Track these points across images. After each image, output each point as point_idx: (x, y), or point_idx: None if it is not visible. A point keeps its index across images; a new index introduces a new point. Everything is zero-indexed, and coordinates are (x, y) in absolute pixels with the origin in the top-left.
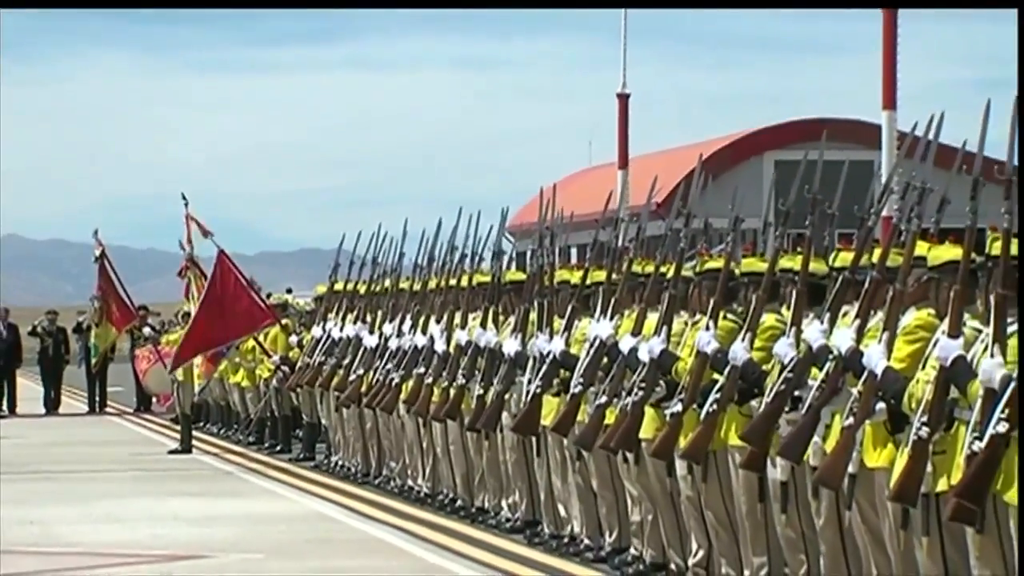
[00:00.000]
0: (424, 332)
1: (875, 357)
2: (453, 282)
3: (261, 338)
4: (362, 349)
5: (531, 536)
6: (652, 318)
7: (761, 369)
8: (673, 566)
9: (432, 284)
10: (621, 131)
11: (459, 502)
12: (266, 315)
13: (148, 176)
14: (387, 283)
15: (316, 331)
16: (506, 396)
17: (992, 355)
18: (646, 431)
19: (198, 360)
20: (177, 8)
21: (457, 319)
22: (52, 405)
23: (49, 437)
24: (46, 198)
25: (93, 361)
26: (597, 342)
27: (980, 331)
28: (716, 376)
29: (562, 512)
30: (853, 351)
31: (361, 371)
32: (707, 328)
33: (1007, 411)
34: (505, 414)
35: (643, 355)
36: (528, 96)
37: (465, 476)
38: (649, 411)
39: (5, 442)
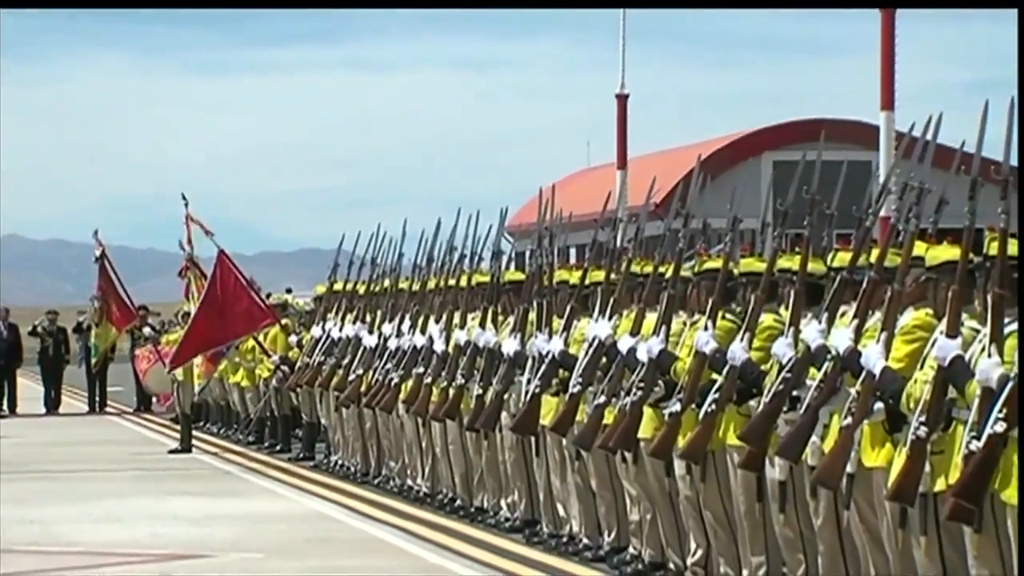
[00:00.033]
0: (423, 332)
1: (873, 357)
2: (452, 282)
3: (261, 338)
4: (361, 349)
5: (530, 535)
6: (651, 318)
7: (760, 369)
8: (672, 565)
9: (431, 284)
10: (620, 131)
11: (458, 501)
12: (266, 315)
13: (148, 176)
14: (386, 283)
15: (315, 331)
16: (505, 396)
17: (990, 355)
18: (645, 431)
19: (198, 360)
20: (177, 8)
21: (456, 319)
22: (52, 405)
23: (49, 437)
24: (46, 198)
25: (93, 361)
26: (596, 342)
27: (978, 331)
28: (715, 376)
29: (561, 512)
30: (851, 351)
31: (360, 371)
32: (706, 328)
33: (1005, 411)
34: (504, 414)
35: (642, 355)
36: (527, 96)
37: (464, 476)
38: (648, 411)
39: (5, 441)
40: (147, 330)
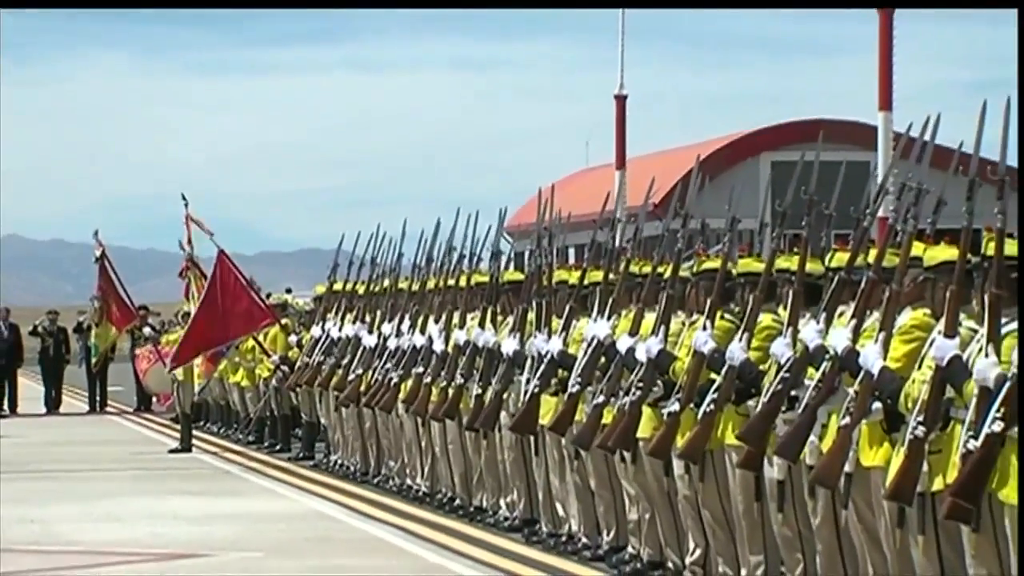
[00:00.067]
0: (423, 332)
1: (871, 357)
2: (452, 282)
3: (261, 338)
4: (361, 349)
5: (529, 535)
6: (649, 318)
7: (758, 369)
8: (670, 564)
9: (431, 284)
10: (619, 132)
11: (457, 501)
12: (265, 315)
13: (148, 176)
14: (386, 283)
15: (315, 331)
16: (504, 395)
17: (987, 355)
18: (644, 430)
19: (198, 360)
20: (177, 8)
21: (456, 319)
22: (53, 404)
23: (50, 436)
24: (46, 198)
25: (93, 361)
26: (595, 342)
27: (976, 331)
28: (713, 376)
29: (560, 511)
30: (849, 351)
31: (360, 371)
32: (704, 328)
33: (1002, 410)
34: (503, 413)
35: (641, 355)
36: (527, 97)
37: (463, 475)
38: (647, 411)
39: (6, 441)
40: (147, 330)
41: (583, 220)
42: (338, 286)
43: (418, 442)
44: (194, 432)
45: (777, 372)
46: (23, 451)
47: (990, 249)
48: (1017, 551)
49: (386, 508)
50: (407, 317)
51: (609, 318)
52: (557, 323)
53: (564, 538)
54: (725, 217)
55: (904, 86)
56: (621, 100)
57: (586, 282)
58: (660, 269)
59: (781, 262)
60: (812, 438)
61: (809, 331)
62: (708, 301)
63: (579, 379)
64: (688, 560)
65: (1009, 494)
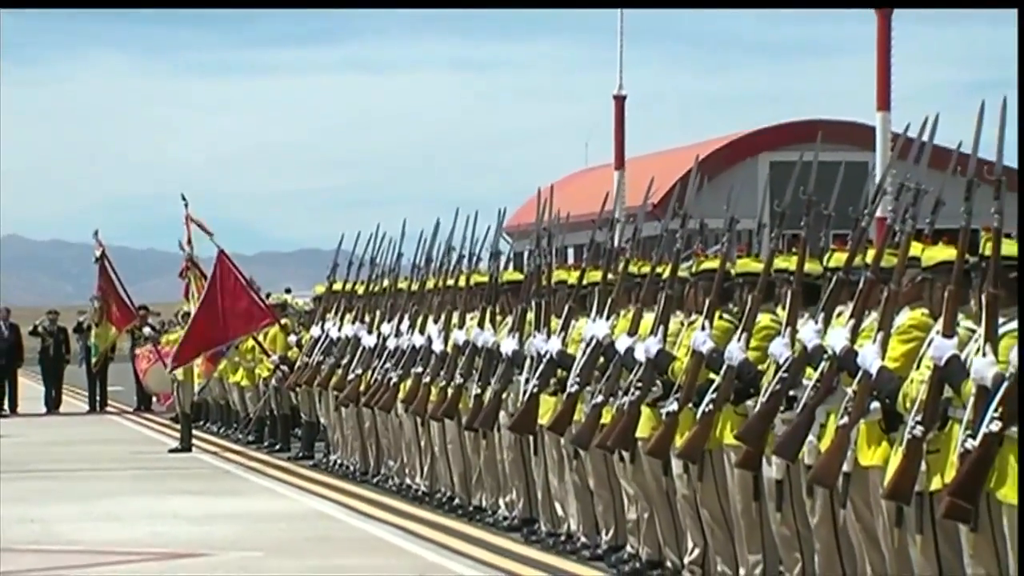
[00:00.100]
0: (422, 332)
1: (870, 357)
2: (451, 282)
3: (260, 338)
4: (360, 349)
5: (528, 534)
6: (648, 318)
7: (757, 369)
8: (669, 564)
9: (430, 284)
10: (617, 132)
11: (457, 500)
12: (265, 315)
13: (148, 176)
14: (385, 283)
15: (315, 331)
16: (503, 395)
17: (984, 354)
18: (642, 430)
19: (198, 360)
20: (177, 8)
21: (455, 319)
22: (53, 404)
23: (50, 436)
24: (46, 198)
25: (93, 361)
26: (594, 342)
27: (974, 331)
28: (712, 376)
29: (559, 510)
30: (848, 351)
31: (359, 370)
32: (703, 328)
33: (1000, 410)
34: (502, 413)
35: (639, 355)
36: (526, 97)
37: (463, 475)
38: (645, 410)
39: (6, 441)
40: (147, 330)
41: (582, 220)
42: (337, 286)
43: (417, 442)
44: (194, 432)
45: (776, 372)
46: (23, 451)
47: (988, 249)
48: (1016, 551)
49: (385, 507)
50: (406, 317)
51: (608, 318)
52: (556, 323)
53: (563, 537)
54: (724, 217)
55: (902, 87)
56: (620, 100)
57: (585, 282)
58: (659, 269)
59: (780, 262)
60: (810, 438)
61: (807, 331)
62: (707, 301)
63: (578, 379)
64: (687, 559)
65: (1007, 493)
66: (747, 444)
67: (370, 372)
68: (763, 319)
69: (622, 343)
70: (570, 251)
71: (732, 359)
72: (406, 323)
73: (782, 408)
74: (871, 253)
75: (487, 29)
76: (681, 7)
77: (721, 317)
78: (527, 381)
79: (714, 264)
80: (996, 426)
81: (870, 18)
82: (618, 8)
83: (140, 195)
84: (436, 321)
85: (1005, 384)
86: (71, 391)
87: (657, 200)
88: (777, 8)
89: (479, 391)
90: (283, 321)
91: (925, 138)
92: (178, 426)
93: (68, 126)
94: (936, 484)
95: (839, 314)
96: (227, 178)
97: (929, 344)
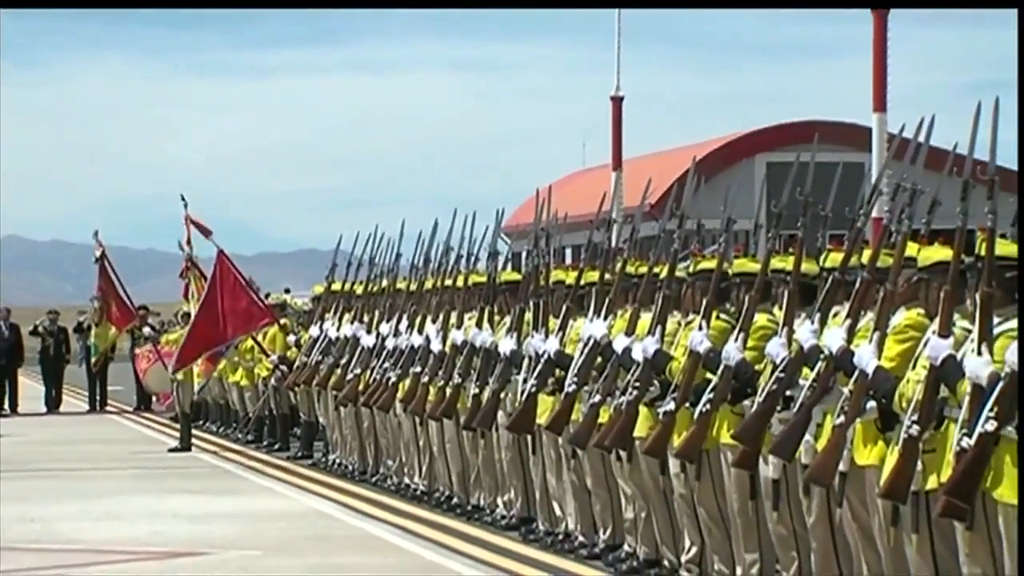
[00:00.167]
0: (420, 332)
1: (866, 356)
2: (449, 282)
3: (260, 338)
4: (359, 348)
5: (526, 533)
6: (646, 318)
7: (754, 369)
8: (666, 563)
9: (428, 284)
10: (615, 133)
11: (455, 500)
12: (264, 315)
13: (148, 176)
14: (384, 283)
15: (314, 331)
16: (502, 395)
17: (980, 353)
18: (640, 430)
19: (198, 359)
20: (177, 8)
21: (453, 319)
22: (53, 404)
23: (50, 435)
24: (46, 198)
25: (93, 360)
26: (591, 342)
27: (969, 331)
28: (709, 375)
29: (557, 510)
30: (844, 351)
31: (358, 370)
32: (700, 328)
33: (996, 409)
34: (500, 413)
35: (637, 355)
36: (525, 98)
37: (461, 474)
38: (643, 410)
39: (6, 440)
40: (147, 330)
41: (580, 220)
42: (336, 286)
43: (416, 441)
44: (193, 431)
45: (772, 372)
46: (23, 450)
47: (984, 249)
48: (1015, 550)
49: (384, 507)
50: (405, 317)
51: (605, 318)
52: (554, 323)
53: (561, 536)
54: (721, 218)
55: (900, 88)
56: (617, 101)
57: (583, 282)
58: (656, 269)
59: (776, 262)
60: (807, 437)
61: (804, 331)
62: (704, 301)
63: (576, 379)
64: (684, 558)
65: (1003, 493)
66: (744, 444)
67: (369, 372)
68: (760, 319)
69: (620, 343)
70: (568, 251)
71: (729, 359)
72: (404, 323)
73: (779, 408)
74: (867, 253)
75: (486, 30)
76: (679, 7)
77: (718, 317)
78: (525, 381)
79: (711, 264)
80: (992, 425)
81: (865, 20)
82: (616, 8)
83: (140, 195)
84: (434, 321)
85: (1001, 383)
86: (71, 391)
87: (654, 200)
88: (773, 8)
89: (477, 391)
90: (282, 321)
91: (921, 139)
92: (178, 425)
93: (68, 126)
94: (932, 483)
95: (835, 314)
96: (227, 178)
97: (925, 344)
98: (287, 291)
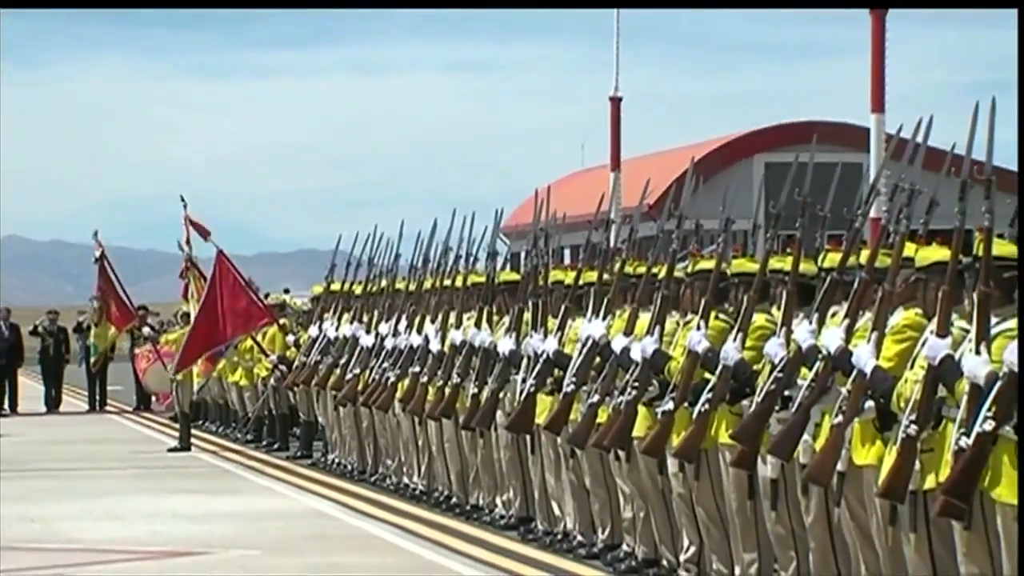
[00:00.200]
0: (419, 332)
1: (864, 356)
2: (448, 282)
3: (259, 337)
4: (358, 348)
5: (525, 533)
6: (644, 318)
7: (752, 369)
8: (665, 562)
9: (427, 284)
10: (613, 134)
11: (454, 499)
12: (264, 315)
13: (148, 176)
14: (383, 283)
15: (313, 331)
16: (500, 395)
17: (977, 352)
18: (639, 429)
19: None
20: (177, 8)
21: (452, 319)
22: (53, 403)
23: (50, 435)
24: (46, 198)
25: (93, 360)
26: (590, 342)
27: (967, 331)
28: (707, 375)
29: (555, 509)
30: (842, 351)
31: (357, 370)
32: (698, 328)
33: (994, 409)
34: (499, 413)
35: (636, 355)
36: (524, 99)
37: (460, 474)
38: (642, 410)
39: (6, 440)
40: (146, 330)
41: (578, 221)
42: (335, 286)
43: (415, 441)
44: (193, 431)
45: (771, 372)
46: (23, 450)
47: (981, 249)
48: (1013, 550)
49: (383, 506)
50: (404, 317)
51: (604, 318)
52: (553, 323)
53: (559, 536)
54: (719, 218)
55: (899, 88)
56: (616, 102)
57: (581, 282)
58: (655, 269)
59: (775, 262)
60: (805, 437)
61: (802, 331)
62: (702, 301)
63: (574, 379)
64: (682, 557)
65: (1001, 492)
66: (742, 443)
67: (368, 372)
68: (758, 319)
69: (618, 343)
70: (566, 251)
71: (728, 359)
72: (404, 323)
73: (777, 408)
74: (865, 253)
75: (485, 31)
76: (678, 7)
77: (717, 317)
78: (524, 381)
79: (710, 264)
80: (990, 425)
81: (863, 21)
82: (614, 8)
83: (140, 195)
84: (433, 321)
85: (999, 383)
86: (71, 391)
87: (653, 201)
88: (772, 8)
89: (476, 391)
90: (281, 321)
91: (919, 139)
92: (177, 425)
93: (68, 126)
94: (930, 483)
95: (834, 314)
96: (227, 178)
97: (923, 344)
98: (286, 291)
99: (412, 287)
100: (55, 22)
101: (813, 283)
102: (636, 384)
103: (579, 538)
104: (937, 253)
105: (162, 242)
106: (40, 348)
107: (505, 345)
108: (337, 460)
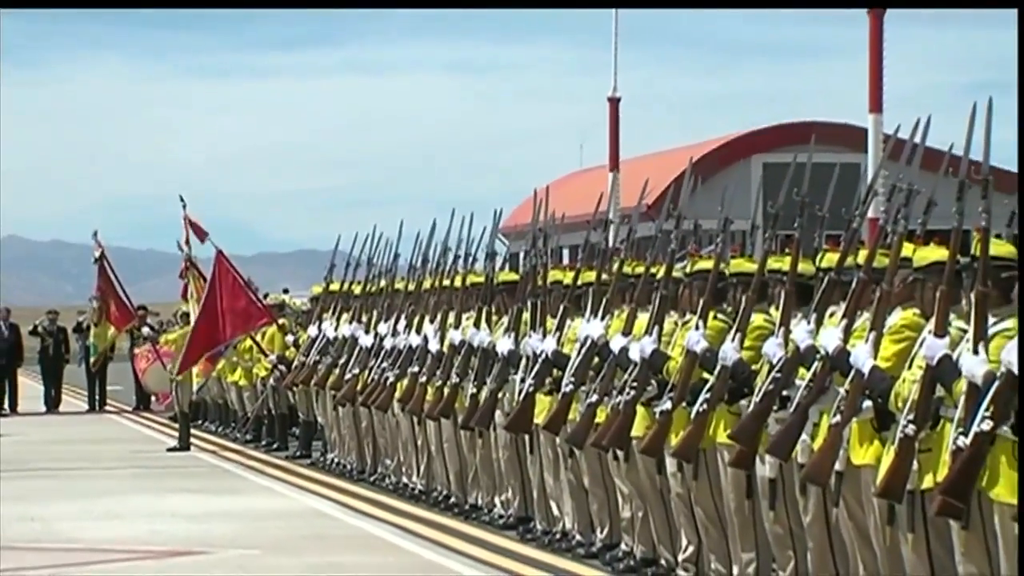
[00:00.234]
0: (418, 332)
1: (862, 356)
2: (447, 282)
3: (258, 337)
4: (357, 348)
5: (523, 532)
6: (642, 318)
7: (750, 369)
8: (663, 562)
9: (427, 284)
10: (612, 134)
11: (453, 499)
12: (263, 315)
13: (148, 176)
14: (382, 283)
15: (312, 331)
16: (499, 395)
17: (975, 352)
18: (637, 429)
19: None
20: (177, 8)
21: (451, 319)
22: (53, 403)
23: (50, 435)
24: (46, 198)
25: (92, 360)
26: (588, 342)
27: (965, 331)
28: (706, 375)
29: (554, 509)
30: (840, 350)
31: (356, 370)
32: (697, 328)
33: (991, 408)
34: (498, 412)
35: (634, 354)
36: (523, 99)
37: (459, 473)
38: (640, 410)
39: (6, 440)
40: (146, 330)
41: (577, 221)
42: (335, 286)
43: (414, 441)
44: (192, 431)
45: (769, 372)
46: (23, 449)
47: (979, 249)
48: (1011, 549)
49: (382, 506)
50: (403, 317)
51: (602, 318)
52: (551, 323)
53: (558, 536)
54: (717, 218)
55: (897, 89)
56: (614, 102)
57: (580, 282)
58: (653, 269)
59: (773, 263)
60: (803, 437)
61: (800, 331)
62: (701, 301)
63: (573, 378)
64: (681, 557)
65: (999, 492)
66: (741, 443)
67: (367, 372)
68: (757, 319)
69: (617, 343)
70: (565, 252)
71: (726, 359)
72: (403, 323)
73: (775, 407)
74: (863, 254)
75: (485, 31)
76: (676, 7)
77: (715, 317)
78: (523, 381)
79: (708, 264)
80: (987, 425)
81: (862, 21)
82: (613, 8)
83: (140, 195)
84: (432, 321)
85: (996, 383)
86: (71, 390)
87: (651, 201)
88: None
89: (475, 390)
90: (281, 321)
91: (917, 140)
92: (176, 425)
93: (68, 126)
94: (928, 482)
95: (832, 314)
96: (226, 178)
97: (921, 344)
98: (286, 291)
99: (411, 287)
100: (55, 22)
101: (811, 283)
102: (634, 384)
103: (578, 538)
104: (935, 253)
105: (162, 242)
106: (40, 348)
107: (504, 345)
108: (336, 460)
